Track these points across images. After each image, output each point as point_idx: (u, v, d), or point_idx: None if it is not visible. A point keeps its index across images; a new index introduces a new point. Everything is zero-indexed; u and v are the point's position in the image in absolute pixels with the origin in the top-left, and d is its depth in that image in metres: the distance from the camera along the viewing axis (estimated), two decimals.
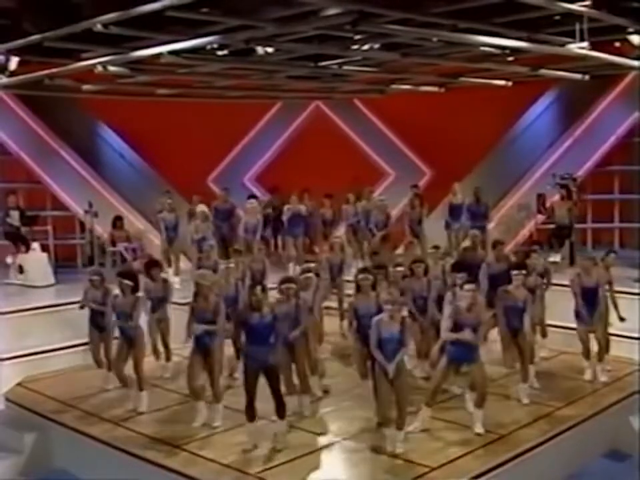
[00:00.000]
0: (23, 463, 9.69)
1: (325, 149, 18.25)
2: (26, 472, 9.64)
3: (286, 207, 15.60)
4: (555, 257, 14.38)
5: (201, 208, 14.50)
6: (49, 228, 16.43)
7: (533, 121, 17.73)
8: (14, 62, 11.39)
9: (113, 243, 15.60)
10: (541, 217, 16.12)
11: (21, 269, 14.55)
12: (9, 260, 14.82)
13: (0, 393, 10.73)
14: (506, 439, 8.53)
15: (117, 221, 15.74)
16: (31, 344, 11.55)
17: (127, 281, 9.80)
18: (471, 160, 17.33)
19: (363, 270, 10.03)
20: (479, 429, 8.58)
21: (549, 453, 8.54)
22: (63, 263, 16.07)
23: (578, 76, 14.42)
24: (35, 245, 14.81)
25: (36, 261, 14.60)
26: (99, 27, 9.06)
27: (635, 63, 11.99)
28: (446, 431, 8.72)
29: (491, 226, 16.10)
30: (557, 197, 15.24)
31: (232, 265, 10.98)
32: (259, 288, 8.49)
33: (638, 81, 14.58)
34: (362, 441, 8.49)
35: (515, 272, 9.85)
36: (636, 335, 11.18)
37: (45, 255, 14.90)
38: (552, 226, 15.34)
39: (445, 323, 8.72)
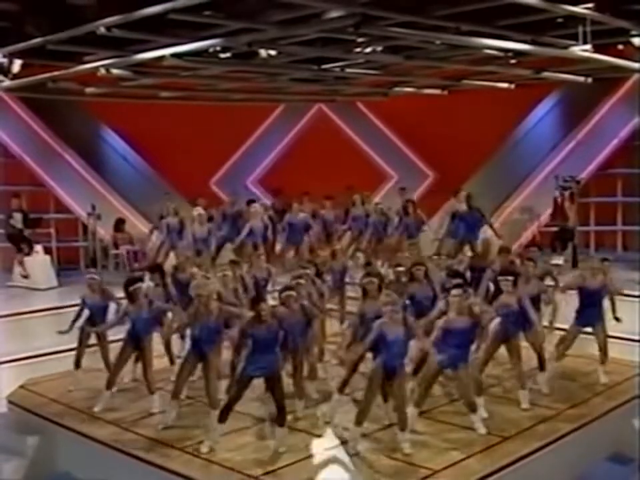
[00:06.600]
0: (26, 466, 9.64)
1: (328, 151, 18.27)
2: (29, 475, 9.60)
3: (287, 215, 15.08)
4: (558, 260, 14.39)
5: (198, 211, 14.37)
6: (52, 230, 16.41)
7: (536, 124, 17.74)
8: (17, 65, 11.42)
9: (116, 246, 15.65)
10: (544, 219, 16.13)
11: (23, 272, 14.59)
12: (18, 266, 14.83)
13: (2, 395, 10.71)
14: (509, 441, 8.50)
15: (120, 224, 15.78)
16: (34, 346, 11.54)
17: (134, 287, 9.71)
18: (473, 162, 17.34)
19: (368, 274, 9.91)
20: (480, 429, 8.57)
21: (552, 456, 8.52)
22: (65, 266, 16.09)
23: (581, 79, 14.45)
24: (38, 248, 14.84)
25: (39, 263, 14.64)
26: (102, 30, 9.09)
27: (638, 65, 11.99)
28: (449, 433, 8.70)
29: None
30: (559, 200, 15.24)
31: (228, 274, 10.77)
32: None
33: None
34: (365, 443, 8.45)
35: (500, 278, 9.79)
36: (637, 338, 11.18)
37: (47, 257, 14.93)
38: (555, 228, 15.34)
39: (435, 332, 8.60)
